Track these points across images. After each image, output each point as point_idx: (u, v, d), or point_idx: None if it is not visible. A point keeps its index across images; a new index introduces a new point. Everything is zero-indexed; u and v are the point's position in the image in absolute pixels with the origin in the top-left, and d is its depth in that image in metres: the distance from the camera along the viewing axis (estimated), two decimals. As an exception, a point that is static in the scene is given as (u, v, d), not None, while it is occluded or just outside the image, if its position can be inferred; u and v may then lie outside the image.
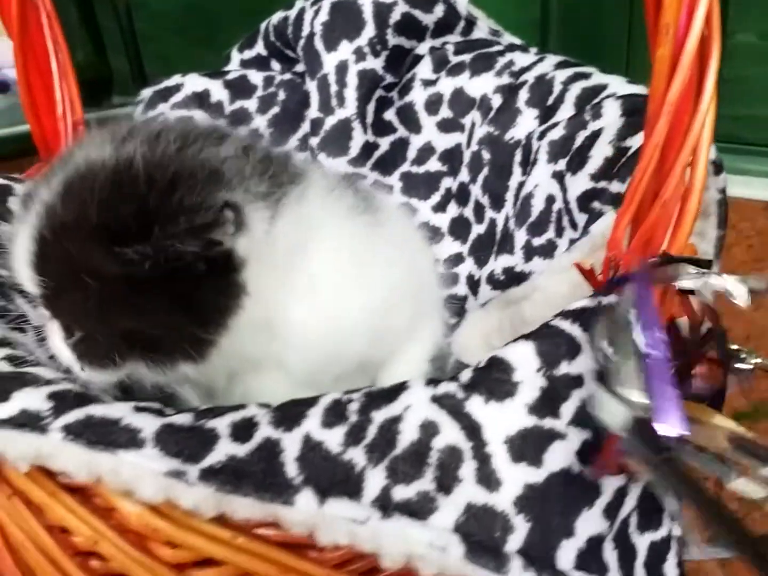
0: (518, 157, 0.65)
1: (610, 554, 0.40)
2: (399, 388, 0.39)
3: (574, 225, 0.60)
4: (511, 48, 0.70)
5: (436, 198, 0.73)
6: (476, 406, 0.38)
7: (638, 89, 0.59)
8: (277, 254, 0.46)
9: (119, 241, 0.40)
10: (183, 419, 0.38)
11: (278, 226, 0.45)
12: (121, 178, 0.41)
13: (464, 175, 0.70)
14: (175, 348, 0.44)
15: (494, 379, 0.39)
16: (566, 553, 0.38)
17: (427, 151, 0.73)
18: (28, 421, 0.38)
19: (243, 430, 0.38)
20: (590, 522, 0.38)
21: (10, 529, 0.45)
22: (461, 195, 0.71)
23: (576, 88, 0.62)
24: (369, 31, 0.70)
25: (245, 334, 0.45)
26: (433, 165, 0.73)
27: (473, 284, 0.69)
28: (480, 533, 0.36)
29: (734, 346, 0.43)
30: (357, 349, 0.52)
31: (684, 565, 0.45)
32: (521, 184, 0.65)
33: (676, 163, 0.41)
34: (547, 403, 0.39)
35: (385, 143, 0.74)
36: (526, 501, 0.37)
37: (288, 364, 0.49)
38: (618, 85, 0.60)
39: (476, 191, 0.68)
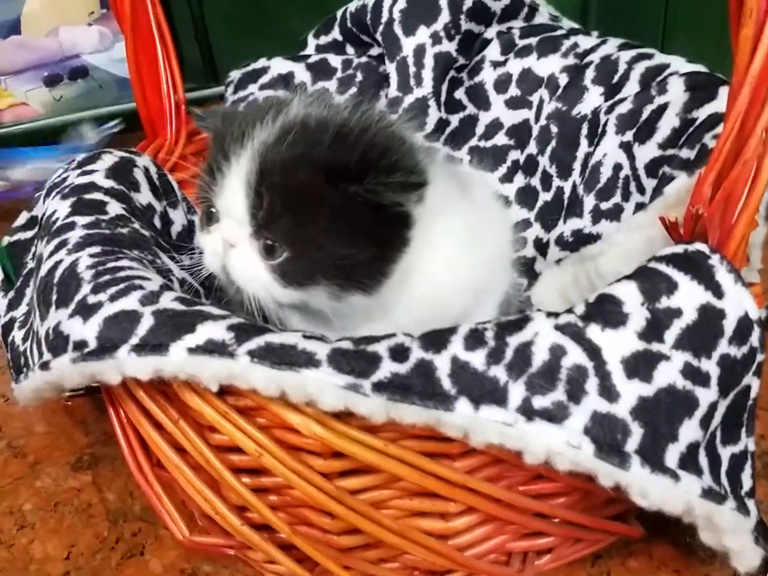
0: (585, 130, 0.72)
1: (703, 460, 0.47)
2: (524, 319, 0.47)
3: (641, 189, 0.67)
4: (574, 32, 0.77)
5: (502, 170, 0.80)
6: (594, 332, 0.45)
7: (698, 68, 0.66)
8: (424, 220, 0.54)
9: (341, 179, 0.50)
10: (346, 344, 0.45)
11: (427, 196, 0.53)
12: (346, 133, 0.51)
13: (532, 148, 0.77)
14: (359, 278, 0.52)
15: (607, 310, 0.46)
16: (672, 455, 0.45)
17: (495, 127, 0.80)
18: (216, 348, 0.45)
19: (399, 353, 0.45)
20: (690, 430, 0.46)
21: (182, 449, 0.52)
22: (528, 166, 0.78)
23: (640, 67, 0.69)
24: (444, 17, 0.77)
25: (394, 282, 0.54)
26: (500, 139, 0.80)
27: (541, 246, 0.76)
28: (605, 436, 0.43)
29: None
30: (462, 304, 0.59)
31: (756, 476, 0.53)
32: (588, 155, 0.72)
33: (756, 128, 0.48)
34: (653, 330, 0.46)
35: (455, 120, 0.81)
36: (640, 410, 0.44)
37: (398, 316, 0.57)
38: (679, 64, 0.67)
39: (544, 162, 0.76)
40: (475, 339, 0.45)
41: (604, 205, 0.70)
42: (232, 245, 0.53)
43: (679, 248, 0.50)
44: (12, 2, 1.05)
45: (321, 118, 0.52)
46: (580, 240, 0.71)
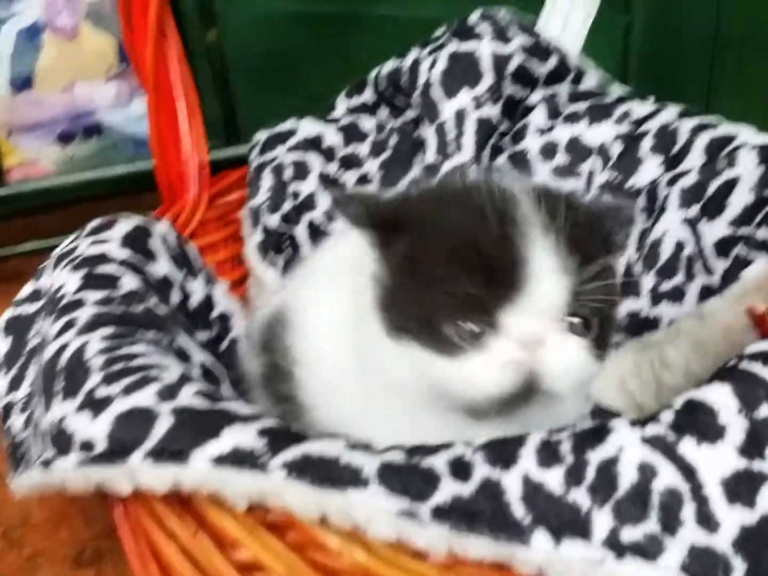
0: (641, 203, 0.67)
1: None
2: (604, 429, 0.40)
3: (708, 270, 0.61)
4: (628, 97, 0.72)
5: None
6: (689, 447, 0.39)
7: (769, 139, 0.61)
8: None
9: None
10: (397, 456, 0.39)
11: None
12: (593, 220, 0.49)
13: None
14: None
15: (701, 421, 0.40)
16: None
17: (540, 197, 0.74)
18: (245, 459, 0.39)
19: (461, 469, 0.38)
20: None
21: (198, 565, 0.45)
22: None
23: (704, 137, 0.64)
24: (488, 79, 0.72)
25: None
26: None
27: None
28: (705, 573, 0.36)
29: None
30: None
31: None
32: (646, 230, 0.66)
33: None
34: (754, 444, 0.39)
35: (496, 189, 0.75)
36: (743, 542, 0.37)
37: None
38: (749, 134, 0.62)
39: (595, 237, 0.70)
40: (549, 453, 0.39)
41: (665, 286, 0.64)
42: (540, 343, 0.45)
43: (769, 346, 0.43)
44: (26, 56, 1.01)
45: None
46: (638, 323, 0.64)
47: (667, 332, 0.59)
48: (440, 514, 0.36)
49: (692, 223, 0.62)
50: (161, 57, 0.67)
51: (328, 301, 0.54)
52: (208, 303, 0.67)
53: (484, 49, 0.73)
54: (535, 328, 0.45)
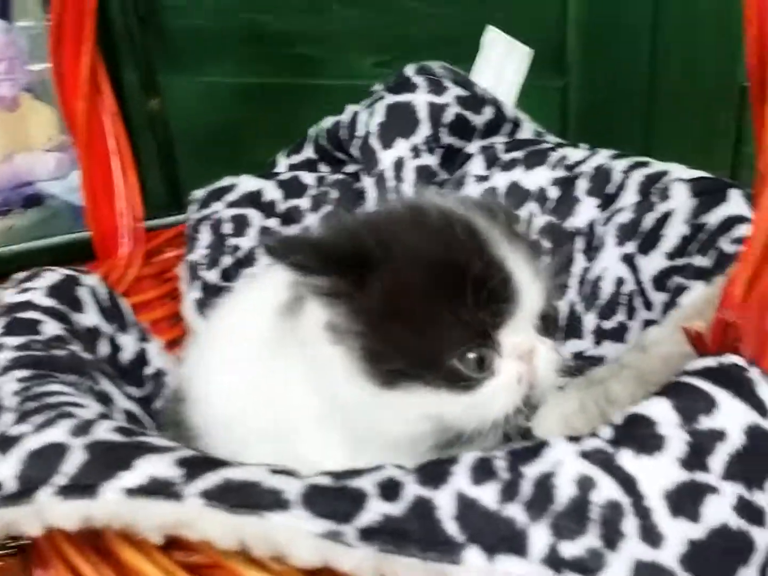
0: (580, 244, 0.66)
1: (763, 621, 0.38)
2: (541, 445, 0.38)
3: (648, 305, 0.60)
4: (561, 145, 0.73)
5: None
6: (627, 459, 0.37)
7: (701, 173, 0.61)
8: None
9: None
10: (324, 480, 0.37)
11: None
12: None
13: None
14: None
15: (640, 433, 0.38)
16: (729, 615, 0.36)
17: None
18: (159, 489, 0.36)
19: (390, 489, 0.36)
20: (748, 581, 0.37)
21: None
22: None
23: (638, 175, 0.64)
24: (424, 130, 0.73)
25: None
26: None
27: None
28: (652, 592, 0.34)
29: None
30: None
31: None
32: (585, 270, 0.65)
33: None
34: (696, 456, 0.38)
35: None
36: (691, 558, 0.35)
37: None
38: (680, 170, 0.62)
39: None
40: (483, 470, 0.37)
41: (607, 324, 0.63)
42: (533, 353, 0.45)
43: (712, 361, 0.42)
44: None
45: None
46: (582, 364, 0.63)
47: (611, 367, 0.58)
48: (368, 535, 0.34)
49: (630, 259, 0.62)
50: (94, 110, 0.67)
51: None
52: (141, 359, 0.64)
53: (420, 99, 0.74)
54: (530, 340, 0.44)
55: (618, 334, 0.63)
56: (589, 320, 0.64)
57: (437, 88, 0.74)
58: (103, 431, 0.41)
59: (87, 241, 0.73)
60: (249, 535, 0.35)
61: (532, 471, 0.36)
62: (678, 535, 0.36)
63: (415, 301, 0.43)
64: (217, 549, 0.36)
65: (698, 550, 0.36)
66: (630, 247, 0.62)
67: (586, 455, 0.37)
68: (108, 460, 0.38)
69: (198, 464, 0.37)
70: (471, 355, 0.43)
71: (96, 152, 0.68)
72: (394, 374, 0.43)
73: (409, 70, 0.76)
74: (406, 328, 0.43)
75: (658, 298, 0.59)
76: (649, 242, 0.60)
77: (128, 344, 0.63)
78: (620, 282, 0.63)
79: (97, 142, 0.68)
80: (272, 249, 0.44)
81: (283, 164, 0.81)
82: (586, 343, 0.64)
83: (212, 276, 0.72)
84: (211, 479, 0.36)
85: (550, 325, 0.46)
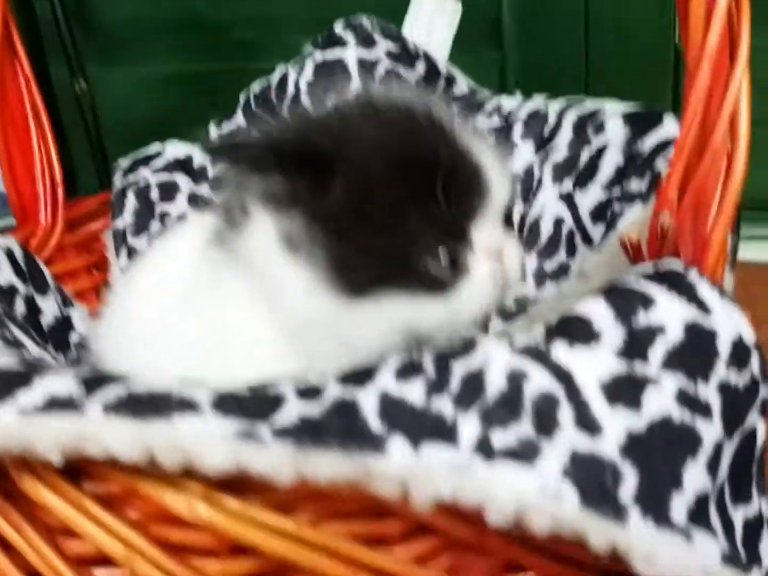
0: (518, 189, 0.65)
1: (715, 519, 0.36)
2: (470, 344, 0.36)
3: (588, 240, 0.59)
4: (497, 95, 0.71)
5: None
6: (561, 351, 0.35)
7: (634, 107, 0.60)
8: None
9: None
10: (238, 390, 0.34)
11: None
12: None
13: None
14: None
15: (574, 327, 0.36)
16: (678, 507, 0.34)
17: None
18: (59, 405, 0.33)
19: (310, 391, 0.33)
20: (695, 475, 0.35)
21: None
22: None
23: (572, 115, 0.63)
24: (354, 83, 0.71)
25: None
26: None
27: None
28: (591, 481, 0.32)
29: None
30: None
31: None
32: (525, 214, 0.64)
33: (722, 111, 0.40)
34: (634, 347, 0.36)
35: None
36: (632, 449, 0.33)
37: None
38: (614, 105, 0.61)
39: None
40: (409, 368, 0.34)
41: (549, 266, 0.61)
42: (501, 250, 0.43)
43: (648, 267, 0.41)
44: None
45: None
46: (524, 309, 0.61)
47: (551, 300, 0.56)
48: (284, 432, 0.31)
49: (568, 197, 0.60)
50: (8, 72, 0.64)
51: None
52: (65, 324, 0.61)
53: (350, 55, 0.72)
54: (500, 236, 0.42)
55: (559, 275, 0.61)
56: (530, 263, 0.62)
57: (367, 42, 0.72)
58: (3, 359, 0.38)
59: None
60: (156, 446, 0.32)
61: (461, 368, 0.34)
62: (617, 425, 0.34)
63: (380, 199, 0.40)
64: (129, 474, 0.34)
65: (640, 441, 0.34)
66: (567, 183, 0.61)
67: (518, 351, 0.35)
68: (3, 380, 0.35)
69: (101, 379, 0.35)
70: (444, 254, 0.40)
71: (11, 115, 0.65)
72: (363, 282, 0.40)
73: (338, 25, 0.74)
74: (373, 231, 0.40)
75: (597, 231, 0.57)
76: (585, 176, 0.59)
77: (48, 308, 0.60)
78: (559, 221, 0.61)
79: (12, 105, 0.65)
80: (218, 149, 0.41)
81: (214, 134, 0.79)
82: (527, 286, 0.62)
83: (140, 243, 0.69)
84: (114, 391, 0.33)
85: (511, 222, 0.45)
